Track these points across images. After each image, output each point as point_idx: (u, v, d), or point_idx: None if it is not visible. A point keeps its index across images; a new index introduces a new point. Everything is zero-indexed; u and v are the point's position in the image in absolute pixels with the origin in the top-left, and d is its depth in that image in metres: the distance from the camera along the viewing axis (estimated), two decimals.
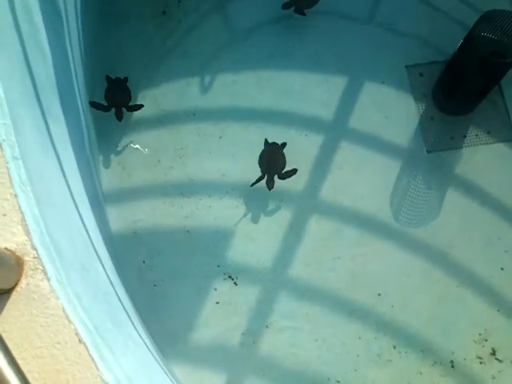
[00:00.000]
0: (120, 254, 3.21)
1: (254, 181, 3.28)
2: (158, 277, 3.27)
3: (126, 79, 3.47)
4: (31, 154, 1.84)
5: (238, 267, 3.31)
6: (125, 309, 2.54)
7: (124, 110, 3.42)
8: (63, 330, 1.55)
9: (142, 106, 3.46)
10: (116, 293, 2.52)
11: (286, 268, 3.32)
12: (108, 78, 3.45)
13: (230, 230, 3.36)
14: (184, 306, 3.19)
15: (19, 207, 1.60)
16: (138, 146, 3.45)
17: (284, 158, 3.33)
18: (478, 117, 3.59)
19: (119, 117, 3.38)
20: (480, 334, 3.29)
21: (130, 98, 3.45)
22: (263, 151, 3.35)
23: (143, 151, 3.45)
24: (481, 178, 3.49)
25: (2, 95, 1.70)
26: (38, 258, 1.57)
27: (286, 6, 3.63)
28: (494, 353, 3.27)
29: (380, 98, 3.61)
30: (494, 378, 3.23)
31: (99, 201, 3.25)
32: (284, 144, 3.38)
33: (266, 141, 3.39)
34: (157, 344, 3.01)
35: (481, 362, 3.25)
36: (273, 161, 3.30)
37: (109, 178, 3.41)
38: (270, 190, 3.26)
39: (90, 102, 3.35)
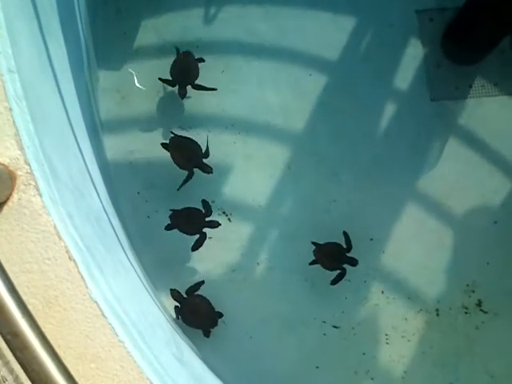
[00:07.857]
0: (115, 184, 3.20)
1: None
2: (152, 208, 3.27)
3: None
4: (28, 69, 1.80)
5: (233, 204, 3.31)
6: (117, 236, 2.55)
7: None
8: (54, 247, 1.54)
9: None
10: (109, 220, 2.52)
11: (281, 207, 3.32)
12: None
13: (226, 166, 3.33)
14: (177, 239, 3.18)
15: (13, 121, 1.57)
16: (137, 82, 3.39)
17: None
18: (486, 67, 3.51)
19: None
20: (468, 285, 3.32)
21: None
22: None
23: (142, 88, 3.39)
24: (483, 130, 3.44)
25: None
26: (30, 173, 1.55)
27: (182, 94, 3.30)
28: (479, 304, 3.30)
29: (387, 42, 3.52)
30: (477, 328, 3.28)
31: (96, 128, 3.21)
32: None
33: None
34: (147, 274, 3.04)
35: (466, 312, 3.30)
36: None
37: (107, 107, 3.36)
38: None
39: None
